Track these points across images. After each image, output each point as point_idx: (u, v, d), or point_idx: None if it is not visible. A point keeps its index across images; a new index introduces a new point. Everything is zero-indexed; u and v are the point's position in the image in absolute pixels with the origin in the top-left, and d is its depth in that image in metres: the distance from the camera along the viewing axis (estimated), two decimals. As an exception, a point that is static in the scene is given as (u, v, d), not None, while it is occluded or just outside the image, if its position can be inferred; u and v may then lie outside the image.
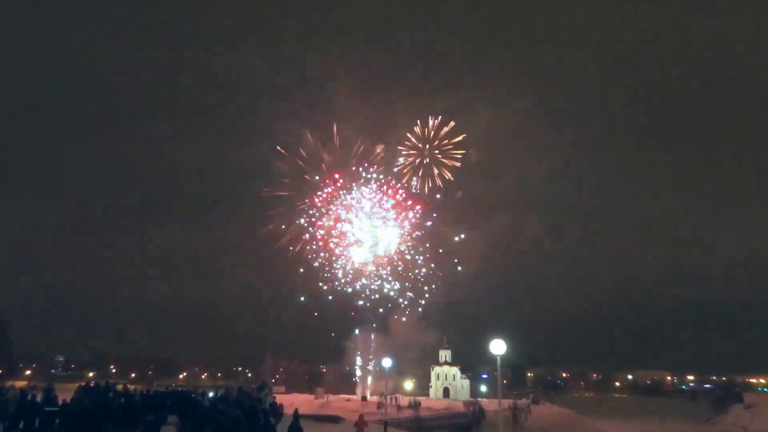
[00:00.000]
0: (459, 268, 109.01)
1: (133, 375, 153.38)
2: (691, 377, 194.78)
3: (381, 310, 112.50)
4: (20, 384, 57.45)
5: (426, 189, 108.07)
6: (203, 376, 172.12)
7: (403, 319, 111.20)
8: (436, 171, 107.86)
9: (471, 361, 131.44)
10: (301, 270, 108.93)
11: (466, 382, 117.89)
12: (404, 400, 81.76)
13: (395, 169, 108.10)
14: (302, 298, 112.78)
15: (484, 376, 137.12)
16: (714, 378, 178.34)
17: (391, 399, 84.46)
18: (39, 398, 21.29)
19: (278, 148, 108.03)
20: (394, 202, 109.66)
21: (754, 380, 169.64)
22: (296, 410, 21.95)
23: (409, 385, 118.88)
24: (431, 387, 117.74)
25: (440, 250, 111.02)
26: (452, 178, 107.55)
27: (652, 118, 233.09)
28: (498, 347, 18.37)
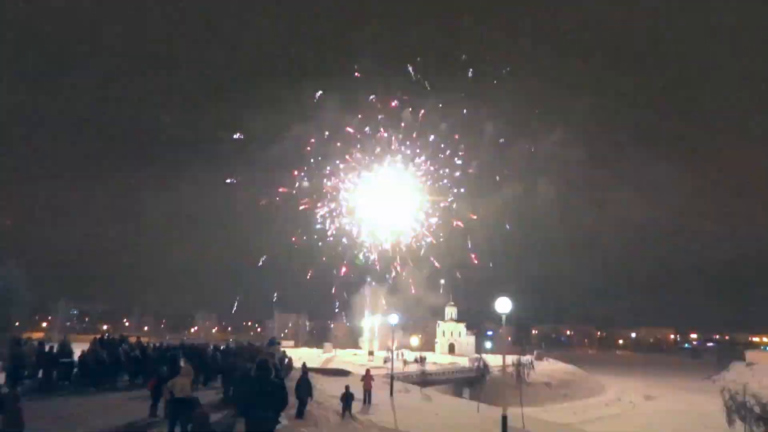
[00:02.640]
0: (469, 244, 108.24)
1: (145, 328, 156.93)
2: (694, 335, 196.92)
3: (389, 271, 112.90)
4: (37, 335, 59.10)
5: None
6: (214, 331, 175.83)
7: (410, 281, 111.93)
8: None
9: (476, 319, 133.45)
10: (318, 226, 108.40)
11: (472, 339, 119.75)
12: (410, 356, 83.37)
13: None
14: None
15: (490, 333, 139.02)
16: (717, 336, 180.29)
17: (397, 354, 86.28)
18: (55, 350, 21.87)
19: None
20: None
21: (756, 339, 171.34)
22: (304, 364, 22.52)
23: (415, 341, 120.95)
24: (437, 343, 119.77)
25: (456, 223, 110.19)
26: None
27: (667, 89, 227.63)
28: (503, 305, 18.50)
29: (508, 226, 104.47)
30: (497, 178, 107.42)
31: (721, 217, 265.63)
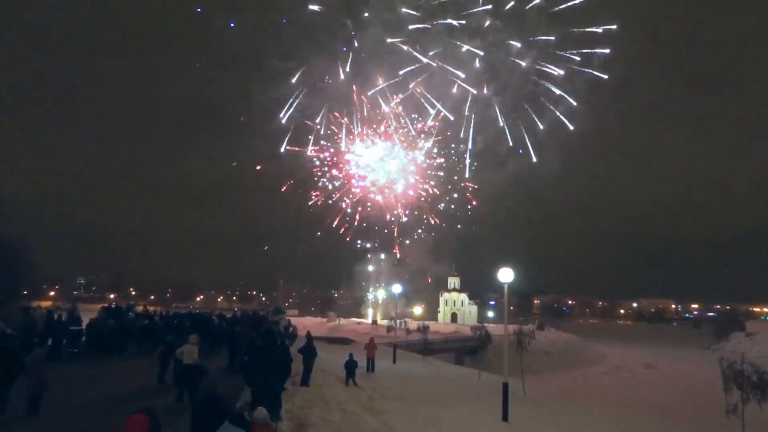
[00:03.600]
0: (474, 203, 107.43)
1: (152, 297, 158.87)
2: (695, 305, 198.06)
3: (394, 236, 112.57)
4: (45, 304, 59.94)
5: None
6: (219, 300, 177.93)
7: (408, 252, 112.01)
8: None
9: (479, 288, 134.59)
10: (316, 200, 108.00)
11: (474, 308, 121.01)
12: (413, 325, 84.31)
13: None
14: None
15: (492, 302, 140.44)
16: (718, 306, 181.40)
17: (400, 323, 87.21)
18: (64, 318, 22.25)
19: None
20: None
21: (757, 309, 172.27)
22: (309, 332, 22.82)
23: (418, 310, 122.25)
24: (440, 312, 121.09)
25: (455, 195, 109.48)
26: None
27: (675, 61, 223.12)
28: (506, 275, 18.67)
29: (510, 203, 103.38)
30: (505, 148, 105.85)
31: (724, 188, 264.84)
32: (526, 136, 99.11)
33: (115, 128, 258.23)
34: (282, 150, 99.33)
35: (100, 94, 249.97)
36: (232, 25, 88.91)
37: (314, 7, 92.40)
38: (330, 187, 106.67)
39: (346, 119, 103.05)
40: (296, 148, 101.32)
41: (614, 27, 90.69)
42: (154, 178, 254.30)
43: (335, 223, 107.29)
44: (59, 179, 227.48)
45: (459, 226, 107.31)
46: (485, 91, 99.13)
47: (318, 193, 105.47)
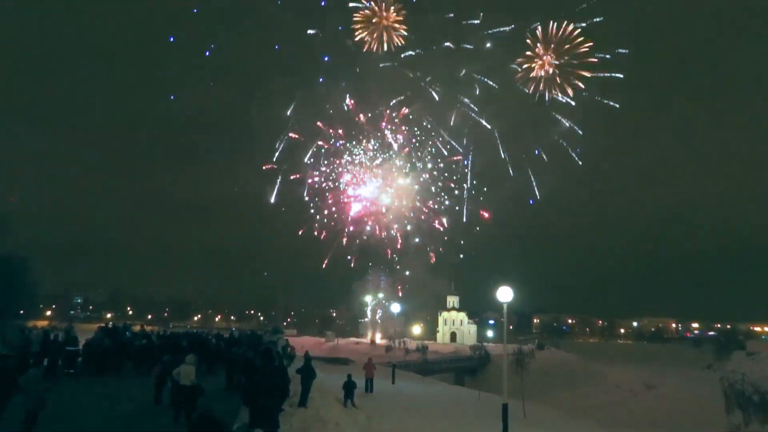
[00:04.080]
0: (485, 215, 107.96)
1: (149, 316, 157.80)
2: (695, 325, 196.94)
3: (393, 257, 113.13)
4: (41, 324, 59.54)
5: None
6: (217, 319, 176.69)
7: (407, 272, 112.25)
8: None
9: (478, 307, 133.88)
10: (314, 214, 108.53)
11: (473, 328, 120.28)
12: (412, 344, 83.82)
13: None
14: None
15: (491, 321, 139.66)
16: (718, 326, 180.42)
17: (399, 343, 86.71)
18: (60, 338, 22.08)
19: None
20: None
21: (758, 328, 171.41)
22: (307, 352, 22.64)
23: (417, 329, 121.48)
24: (438, 332, 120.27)
25: (456, 208, 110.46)
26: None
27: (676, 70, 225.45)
28: (505, 294, 18.62)
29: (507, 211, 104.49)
30: (508, 168, 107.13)
31: (723, 206, 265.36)
32: (530, 173, 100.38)
33: (115, 146, 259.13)
34: (276, 180, 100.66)
35: (98, 111, 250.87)
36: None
37: (312, 31, 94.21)
38: (331, 209, 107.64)
39: (342, 141, 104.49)
40: (297, 175, 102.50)
41: (625, 51, 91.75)
42: (153, 196, 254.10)
43: (335, 244, 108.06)
44: (57, 196, 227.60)
45: (463, 242, 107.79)
46: (483, 120, 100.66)
47: (318, 216, 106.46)
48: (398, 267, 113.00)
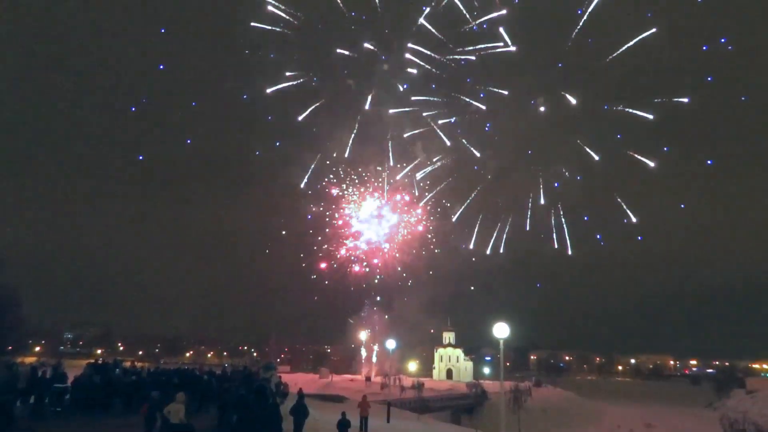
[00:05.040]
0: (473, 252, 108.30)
1: (140, 352, 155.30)
2: (693, 362, 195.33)
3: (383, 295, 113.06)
4: (30, 360, 58.39)
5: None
6: (209, 355, 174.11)
7: (403, 307, 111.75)
8: None
9: (474, 344, 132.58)
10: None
11: (470, 364, 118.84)
12: (408, 381, 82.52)
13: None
14: None
15: (488, 358, 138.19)
16: (716, 363, 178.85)
17: (394, 380, 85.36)
18: (48, 374, 21.63)
19: None
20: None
21: (756, 366, 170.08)
22: (300, 389, 22.29)
23: (412, 366, 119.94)
24: (434, 368, 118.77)
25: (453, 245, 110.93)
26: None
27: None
28: (501, 330, 18.50)
29: (502, 250, 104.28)
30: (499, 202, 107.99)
31: (721, 243, 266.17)
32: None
33: (107, 181, 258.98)
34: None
35: (91, 145, 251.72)
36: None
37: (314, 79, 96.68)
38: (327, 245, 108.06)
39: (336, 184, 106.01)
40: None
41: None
42: (145, 231, 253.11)
43: (329, 280, 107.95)
44: (48, 230, 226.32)
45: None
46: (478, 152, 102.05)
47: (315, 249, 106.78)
48: (394, 301, 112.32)
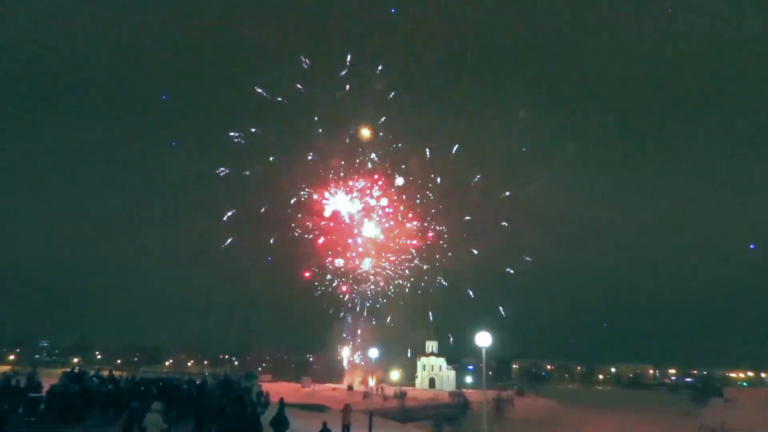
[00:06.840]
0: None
1: (118, 361, 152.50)
2: (672, 371, 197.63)
3: (368, 303, 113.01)
4: (3, 368, 57.00)
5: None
6: (189, 364, 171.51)
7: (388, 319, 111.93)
8: None
9: (457, 353, 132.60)
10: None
11: (452, 373, 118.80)
12: (390, 390, 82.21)
13: None
14: None
15: (470, 367, 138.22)
16: (695, 372, 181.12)
17: (377, 389, 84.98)
18: (22, 384, 21.16)
19: None
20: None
21: (734, 375, 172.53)
22: (281, 399, 22.04)
23: (395, 375, 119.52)
24: (417, 377, 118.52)
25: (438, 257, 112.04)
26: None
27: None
28: (483, 339, 18.55)
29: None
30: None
31: (700, 252, 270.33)
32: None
33: (87, 188, 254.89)
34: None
35: (69, 159, 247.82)
36: None
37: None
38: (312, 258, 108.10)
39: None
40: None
41: None
42: (124, 239, 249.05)
43: (313, 288, 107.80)
44: (22, 236, 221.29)
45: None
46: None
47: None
48: (377, 309, 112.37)
